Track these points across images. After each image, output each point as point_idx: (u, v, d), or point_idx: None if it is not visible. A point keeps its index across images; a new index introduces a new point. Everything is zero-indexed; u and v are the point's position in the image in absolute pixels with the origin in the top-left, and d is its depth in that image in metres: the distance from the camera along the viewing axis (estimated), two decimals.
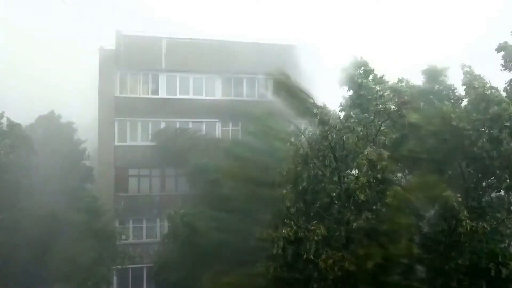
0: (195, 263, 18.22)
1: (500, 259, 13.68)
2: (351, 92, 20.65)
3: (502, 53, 18.60)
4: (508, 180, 15.64)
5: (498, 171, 15.76)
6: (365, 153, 13.12)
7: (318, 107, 14.42)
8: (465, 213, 13.25)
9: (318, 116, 14.08)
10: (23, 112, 37.60)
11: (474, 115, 15.78)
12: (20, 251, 26.40)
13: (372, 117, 15.51)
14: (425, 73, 19.78)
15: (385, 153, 13.00)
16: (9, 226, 25.99)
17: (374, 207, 13.12)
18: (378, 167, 12.76)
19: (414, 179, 14.28)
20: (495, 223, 14.79)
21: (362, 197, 12.63)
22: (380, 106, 15.38)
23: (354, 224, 12.82)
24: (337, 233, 13.38)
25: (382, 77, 20.49)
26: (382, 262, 12.10)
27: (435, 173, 15.05)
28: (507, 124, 14.99)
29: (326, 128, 14.02)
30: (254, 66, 29.62)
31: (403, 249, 12.40)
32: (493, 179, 16.30)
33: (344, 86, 20.57)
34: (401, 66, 20.34)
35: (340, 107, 20.41)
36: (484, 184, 16.58)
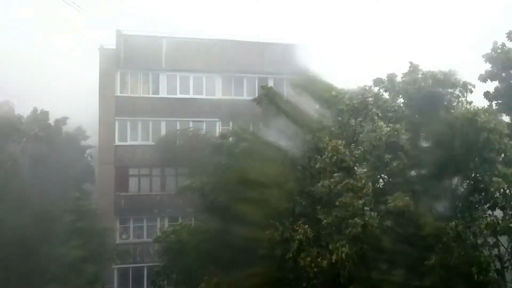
0: (190, 267, 18.25)
1: (480, 266, 13.59)
2: None
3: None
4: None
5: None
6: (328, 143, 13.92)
7: (306, 115, 14.89)
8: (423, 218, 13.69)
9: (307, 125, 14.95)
10: (23, 112, 37.64)
11: None
12: (7, 252, 26.42)
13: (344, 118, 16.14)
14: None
15: (341, 143, 13.79)
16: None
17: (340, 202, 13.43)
18: (334, 158, 13.53)
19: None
20: (468, 221, 14.71)
21: (326, 182, 13.33)
22: (342, 106, 16.04)
23: (325, 221, 13.33)
24: (321, 231, 13.82)
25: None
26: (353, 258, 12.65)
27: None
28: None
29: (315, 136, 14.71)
30: (254, 66, 29.69)
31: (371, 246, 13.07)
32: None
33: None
34: (401, 66, 19.81)
35: None
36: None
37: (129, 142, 28.35)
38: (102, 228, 24.33)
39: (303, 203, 14.64)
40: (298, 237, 12.91)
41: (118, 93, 28.59)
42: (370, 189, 13.53)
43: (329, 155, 13.64)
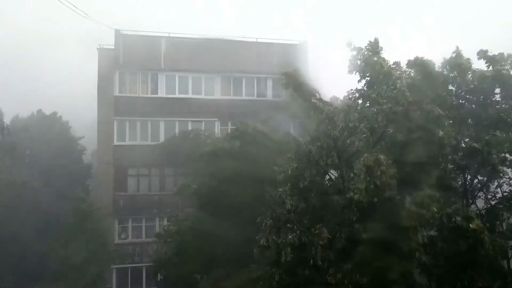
0: (193, 267, 17.96)
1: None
2: (360, 84, 18.07)
3: None
4: None
5: None
6: (362, 158, 12.65)
7: (324, 102, 13.95)
8: (486, 233, 12.96)
9: (324, 113, 13.47)
10: (23, 112, 37.73)
11: None
12: (11, 250, 26.48)
13: (378, 117, 14.55)
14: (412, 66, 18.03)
15: (383, 159, 12.40)
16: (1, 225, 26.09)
17: (384, 219, 12.35)
18: (377, 173, 12.26)
19: (422, 194, 13.27)
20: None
21: (363, 201, 12.17)
22: (385, 106, 14.37)
23: (364, 235, 12.26)
24: (338, 235, 12.95)
25: (399, 63, 17.57)
26: (394, 276, 11.73)
27: (440, 183, 14.71)
28: None
29: (330, 127, 13.42)
30: (253, 65, 29.68)
31: (415, 265, 12.12)
32: None
33: (355, 74, 17.49)
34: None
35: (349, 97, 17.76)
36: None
37: (128, 142, 28.30)
38: (104, 229, 24.41)
39: (320, 204, 13.75)
40: (321, 242, 12.04)
41: (117, 93, 28.56)
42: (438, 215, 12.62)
43: (374, 175, 12.32)
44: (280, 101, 26.38)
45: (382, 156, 12.57)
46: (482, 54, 18.20)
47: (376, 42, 17.03)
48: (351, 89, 17.44)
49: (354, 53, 16.97)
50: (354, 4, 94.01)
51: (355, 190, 12.49)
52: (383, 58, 16.47)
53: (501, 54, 17.95)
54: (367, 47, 16.95)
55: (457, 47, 18.10)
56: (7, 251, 26.16)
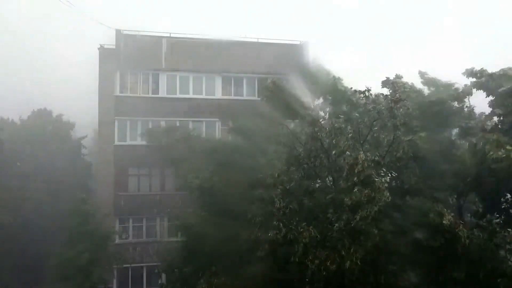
0: (194, 265, 18.10)
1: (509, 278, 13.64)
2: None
3: None
4: None
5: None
6: (344, 157, 13.24)
7: (308, 108, 14.43)
8: (461, 228, 13.43)
9: (308, 117, 14.13)
10: (23, 111, 37.75)
11: None
12: (13, 252, 26.54)
13: (362, 118, 15.23)
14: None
15: (361, 157, 12.92)
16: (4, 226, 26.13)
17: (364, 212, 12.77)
18: (356, 170, 12.78)
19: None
20: (490, 229, 14.81)
21: (348, 201, 12.63)
22: (370, 106, 15.05)
23: (336, 225, 12.91)
24: (329, 234, 13.29)
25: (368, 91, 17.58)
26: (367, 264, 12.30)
27: (427, 178, 15.17)
28: None
29: (316, 129, 14.01)
30: (254, 66, 29.68)
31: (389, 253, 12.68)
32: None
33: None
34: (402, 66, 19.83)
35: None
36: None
37: (128, 142, 28.33)
38: (107, 231, 24.46)
39: (310, 204, 14.16)
40: (304, 240, 12.55)
41: (117, 93, 28.58)
42: (389, 199, 12.86)
43: (354, 172, 12.82)
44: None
45: (361, 155, 13.08)
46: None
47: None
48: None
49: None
50: (354, 4, 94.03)
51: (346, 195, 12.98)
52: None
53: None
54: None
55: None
56: (9, 251, 26.23)
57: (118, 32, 28.35)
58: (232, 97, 29.85)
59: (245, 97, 29.93)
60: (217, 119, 29.15)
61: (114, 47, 28.64)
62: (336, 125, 14.37)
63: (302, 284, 13.31)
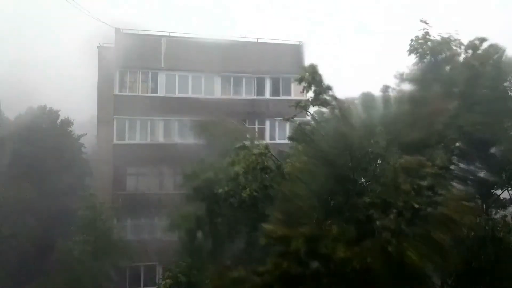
0: (201, 260, 17.90)
1: None
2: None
3: None
4: None
5: None
6: (401, 161, 12.20)
7: (339, 100, 13.71)
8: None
9: (339, 112, 13.23)
10: (22, 111, 37.67)
11: None
12: (18, 245, 26.54)
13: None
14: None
15: (424, 161, 12.03)
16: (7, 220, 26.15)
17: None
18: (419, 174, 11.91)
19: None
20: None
21: (415, 205, 11.64)
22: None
23: (378, 222, 11.96)
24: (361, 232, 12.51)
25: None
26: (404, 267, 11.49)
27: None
28: None
29: (345, 126, 13.04)
30: (253, 65, 29.72)
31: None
32: None
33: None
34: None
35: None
36: None
37: (127, 141, 28.35)
38: (110, 226, 24.56)
39: (340, 199, 13.35)
40: (331, 234, 11.86)
41: (116, 92, 28.60)
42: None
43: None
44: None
45: (422, 159, 12.19)
46: None
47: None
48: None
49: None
50: (354, 3, 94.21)
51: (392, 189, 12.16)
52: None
53: None
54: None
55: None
56: (8, 247, 26.27)
57: (117, 31, 28.37)
58: (231, 96, 29.87)
59: (244, 97, 29.96)
60: (216, 119, 29.10)
61: (113, 46, 28.64)
62: (367, 124, 13.29)
63: (319, 278, 12.88)
